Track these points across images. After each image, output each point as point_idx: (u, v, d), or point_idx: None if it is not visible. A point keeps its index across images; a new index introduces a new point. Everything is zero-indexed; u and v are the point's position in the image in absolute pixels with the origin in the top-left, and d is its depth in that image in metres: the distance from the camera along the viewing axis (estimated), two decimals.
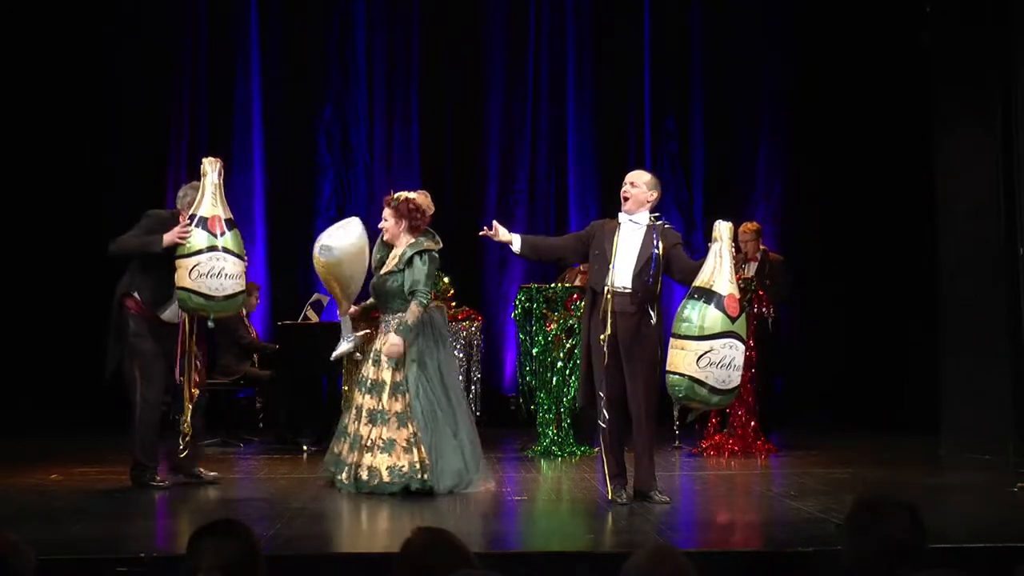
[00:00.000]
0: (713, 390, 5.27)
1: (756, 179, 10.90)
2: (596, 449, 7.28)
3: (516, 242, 5.90)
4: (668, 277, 5.75)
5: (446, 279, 8.74)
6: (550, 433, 8.01)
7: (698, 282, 5.38)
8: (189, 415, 6.31)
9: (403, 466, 5.96)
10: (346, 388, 8.11)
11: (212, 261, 5.96)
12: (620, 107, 10.97)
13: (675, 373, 5.32)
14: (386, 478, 5.96)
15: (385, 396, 6.04)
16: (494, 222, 5.95)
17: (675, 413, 8.08)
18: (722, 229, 5.43)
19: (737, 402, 7.59)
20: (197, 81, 10.66)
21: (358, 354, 6.49)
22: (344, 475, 6.08)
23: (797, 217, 10.70)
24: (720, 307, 5.27)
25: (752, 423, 8.03)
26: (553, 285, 8.31)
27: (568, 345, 8.00)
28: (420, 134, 10.85)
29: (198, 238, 5.98)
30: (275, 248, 10.51)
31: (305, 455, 8.06)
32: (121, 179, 10.17)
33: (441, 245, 6.24)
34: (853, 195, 10.19)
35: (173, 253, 6.02)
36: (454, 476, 6.00)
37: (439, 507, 5.67)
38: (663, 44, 10.93)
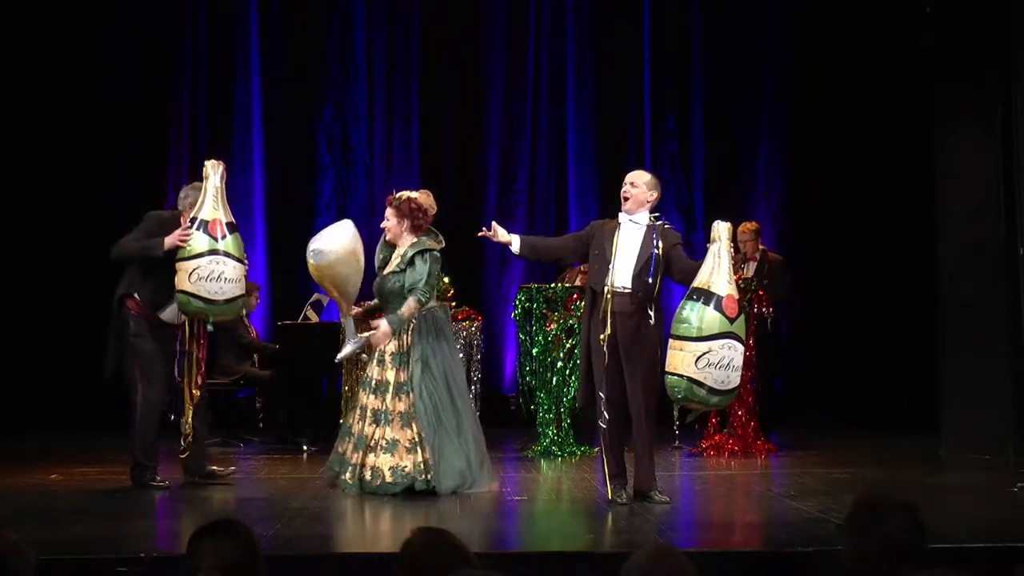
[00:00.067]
0: (712, 391, 5.27)
1: (756, 179, 10.90)
2: (596, 449, 7.29)
3: (515, 243, 5.90)
4: (668, 277, 5.75)
5: (446, 279, 8.74)
6: (550, 433, 8.01)
7: (697, 283, 5.38)
8: (190, 416, 6.30)
9: (406, 466, 5.96)
10: (346, 388, 8.12)
11: (212, 265, 5.96)
12: (620, 107, 10.97)
13: (674, 374, 5.32)
14: (389, 478, 5.96)
15: (389, 396, 6.05)
16: (493, 223, 5.95)
17: (675, 413, 8.13)
18: (721, 229, 5.43)
19: (737, 402, 7.59)
20: (197, 81, 10.65)
21: (363, 355, 6.50)
22: (348, 475, 6.09)
23: (797, 217, 10.70)
24: (718, 308, 5.27)
25: (752, 423, 8.03)
26: (553, 285, 8.31)
27: (568, 345, 8.00)
28: (420, 134, 10.85)
29: (199, 241, 5.98)
30: (275, 248, 10.50)
31: (305, 455, 8.06)
32: (121, 179, 10.17)
33: (444, 244, 6.24)
34: (853, 195, 10.19)
35: (174, 256, 6.02)
36: (457, 476, 6.00)
37: (439, 507, 5.67)
38: (663, 44, 10.93)
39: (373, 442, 6.03)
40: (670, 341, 5.39)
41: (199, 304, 5.98)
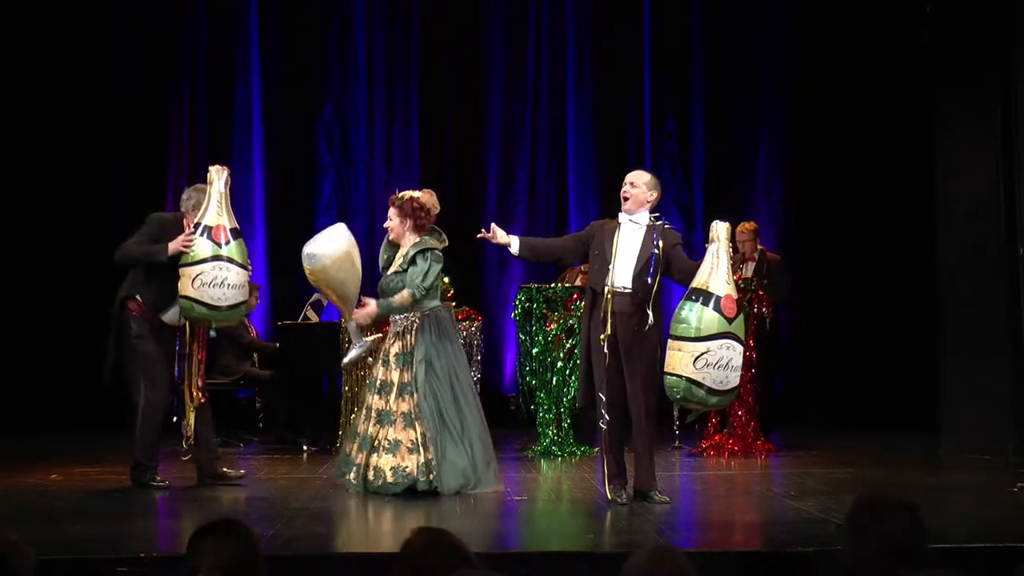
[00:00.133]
0: (711, 391, 5.27)
1: (756, 179, 10.90)
2: (596, 449, 7.29)
3: (514, 244, 5.90)
4: (668, 278, 5.75)
5: (446, 279, 8.74)
6: (550, 433, 8.02)
7: (695, 283, 5.37)
8: (191, 419, 6.31)
9: (407, 467, 5.96)
10: (346, 388, 8.12)
11: (215, 271, 5.95)
12: (620, 107, 10.97)
13: (672, 374, 5.32)
14: (390, 479, 5.96)
15: (392, 397, 6.06)
16: (492, 224, 5.95)
17: (675, 413, 8.12)
18: (719, 229, 5.43)
19: (737, 402, 7.60)
20: (197, 81, 10.65)
21: (369, 358, 6.51)
22: (352, 475, 6.10)
23: (797, 217, 10.70)
24: (717, 308, 5.27)
25: (752, 423, 8.03)
26: (553, 285, 8.31)
27: (568, 345, 8.00)
28: (420, 134, 10.85)
29: (202, 247, 5.98)
30: (275, 248, 10.50)
31: (305, 455, 8.06)
32: (121, 179, 10.17)
33: (446, 243, 6.24)
34: (853, 195, 10.19)
35: (177, 261, 6.03)
36: (460, 477, 5.99)
37: (439, 507, 5.67)
38: (663, 44, 10.93)
39: (376, 443, 6.04)
40: (669, 341, 5.39)
41: (202, 310, 5.98)
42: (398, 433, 6.01)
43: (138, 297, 6.19)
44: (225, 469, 6.49)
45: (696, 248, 8.38)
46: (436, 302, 6.22)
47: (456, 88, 10.84)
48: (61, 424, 9.17)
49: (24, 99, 9.76)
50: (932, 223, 8.16)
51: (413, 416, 6.01)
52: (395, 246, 6.25)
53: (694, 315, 5.28)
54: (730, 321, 5.27)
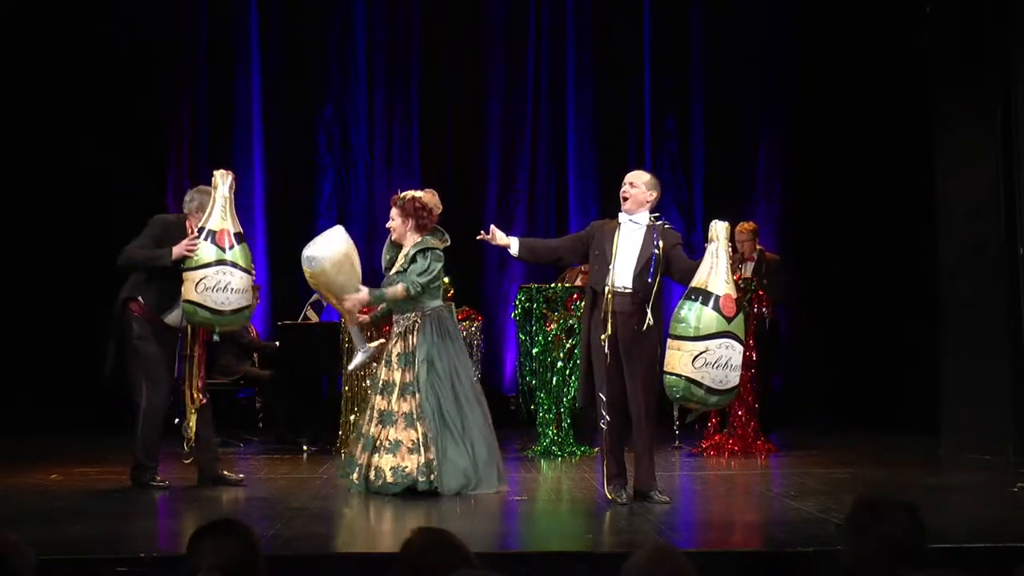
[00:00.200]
0: (710, 390, 5.28)
1: (756, 179, 10.90)
2: (596, 449, 7.28)
3: (514, 245, 5.90)
4: (668, 278, 5.75)
5: (446, 279, 8.74)
6: (550, 433, 8.02)
7: (695, 282, 5.38)
8: (193, 421, 6.30)
9: (406, 467, 5.96)
10: (346, 388, 8.13)
11: (219, 275, 5.96)
12: (620, 107, 10.97)
13: (672, 374, 5.33)
14: (390, 479, 5.97)
15: (394, 397, 6.07)
16: (492, 226, 5.96)
17: (675, 413, 8.13)
18: (718, 229, 5.44)
19: (737, 402, 7.60)
20: (197, 81, 10.65)
21: (372, 363, 6.54)
22: (355, 475, 6.11)
23: (797, 217, 10.70)
24: (716, 307, 5.27)
25: (752, 423, 8.03)
26: (553, 285, 8.31)
27: (568, 345, 8.00)
28: (420, 134, 10.85)
29: (206, 251, 5.98)
30: (275, 248, 10.50)
31: (305, 455, 8.06)
32: (121, 179, 10.16)
33: (448, 243, 6.24)
34: (853, 195, 10.19)
35: (180, 265, 6.03)
36: (460, 477, 5.97)
37: (440, 507, 5.67)
38: (663, 44, 10.93)
39: (378, 443, 6.05)
40: (668, 341, 5.39)
41: (206, 314, 5.99)
42: (399, 433, 6.02)
43: (140, 298, 6.20)
44: (225, 472, 6.48)
45: (696, 248, 8.38)
46: (438, 302, 6.22)
47: (456, 88, 10.84)
48: (61, 424, 9.17)
49: (24, 99, 9.75)
50: (932, 223, 8.15)
51: (415, 416, 6.00)
52: (397, 246, 6.25)
53: (693, 314, 5.28)
54: (729, 320, 5.27)
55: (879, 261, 9.99)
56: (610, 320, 5.63)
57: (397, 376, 6.08)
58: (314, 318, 8.94)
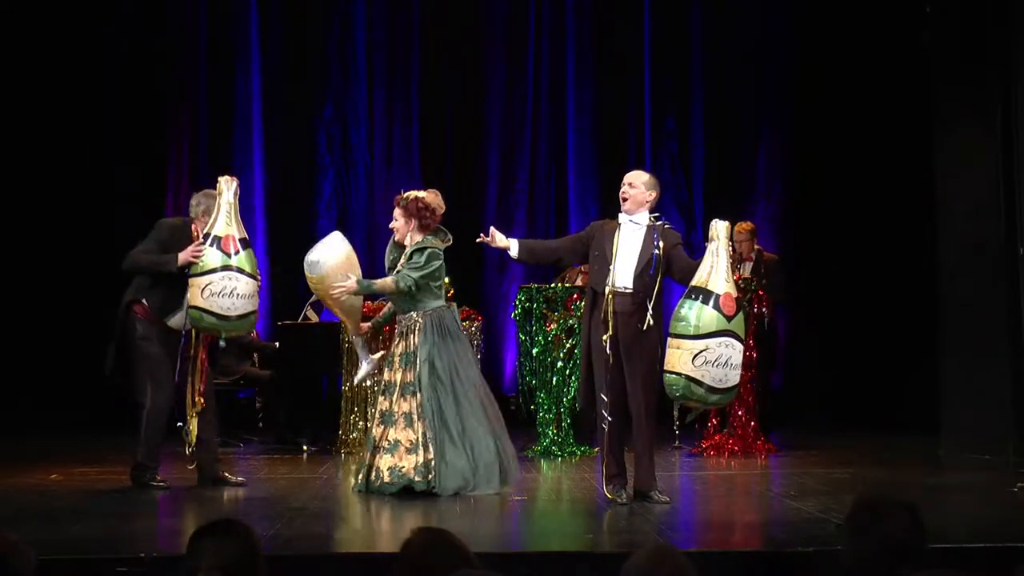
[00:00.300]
0: (711, 389, 5.27)
1: (756, 179, 10.90)
2: (596, 449, 7.28)
3: (513, 247, 5.91)
4: (668, 277, 5.74)
5: (446, 279, 8.74)
6: (550, 433, 8.02)
7: (695, 281, 5.38)
8: (194, 424, 6.30)
9: (403, 467, 5.96)
10: (346, 388, 8.13)
11: (225, 281, 5.98)
12: (620, 107, 10.97)
13: (672, 372, 5.33)
14: (387, 479, 5.97)
15: (395, 397, 6.07)
16: (492, 228, 5.96)
17: (675, 413, 8.13)
18: (719, 228, 5.44)
19: (737, 402, 7.60)
20: (197, 81, 10.65)
21: (375, 375, 6.57)
22: (360, 475, 6.13)
23: (797, 217, 10.70)
24: (716, 306, 5.27)
25: (752, 423, 8.03)
26: (553, 285, 8.31)
27: (568, 345, 8.00)
28: (420, 134, 10.85)
29: (211, 257, 6.00)
30: (275, 248, 10.49)
31: (305, 455, 8.06)
32: (121, 179, 10.17)
33: (450, 242, 6.25)
34: (853, 195, 10.19)
35: (186, 270, 6.04)
36: (458, 478, 5.96)
37: (440, 507, 5.67)
38: (663, 44, 10.93)
39: (378, 443, 6.05)
40: (668, 339, 5.39)
41: (212, 320, 6.00)
42: (398, 433, 6.02)
43: (144, 301, 6.21)
44: (226, 473, 6.48)
45: (696, 248, 8.39)
46: (440, 302, 6.22)
47: (456, 88, 10.84)
48: (61, 424, 9.17)
49: (24, 99, 9.75)
50: (932, 223, 8.15)
51: (414, 416, 6.00)
52: (400, 247, 6.25)
53: (693, 313, 5.28)
54: (729, 319, 5.27)
55: (879, 261, 9.99)
56: (611, 320, 5.63)
57: (398, 376, 6.09)
58: (314, 318, 8.93)
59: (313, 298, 9.02)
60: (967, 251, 7.78)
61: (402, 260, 6.18)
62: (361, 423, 7.98)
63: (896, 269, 9.79)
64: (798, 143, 10.73)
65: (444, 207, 6.26)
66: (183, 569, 2.67)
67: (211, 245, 6.01)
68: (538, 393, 8.08)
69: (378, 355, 6.55)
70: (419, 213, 6.16)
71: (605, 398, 5.67)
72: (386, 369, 6.21)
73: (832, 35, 10.33)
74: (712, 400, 5.39)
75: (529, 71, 10.92)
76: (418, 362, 6.05)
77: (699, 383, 5.25)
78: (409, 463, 5.96)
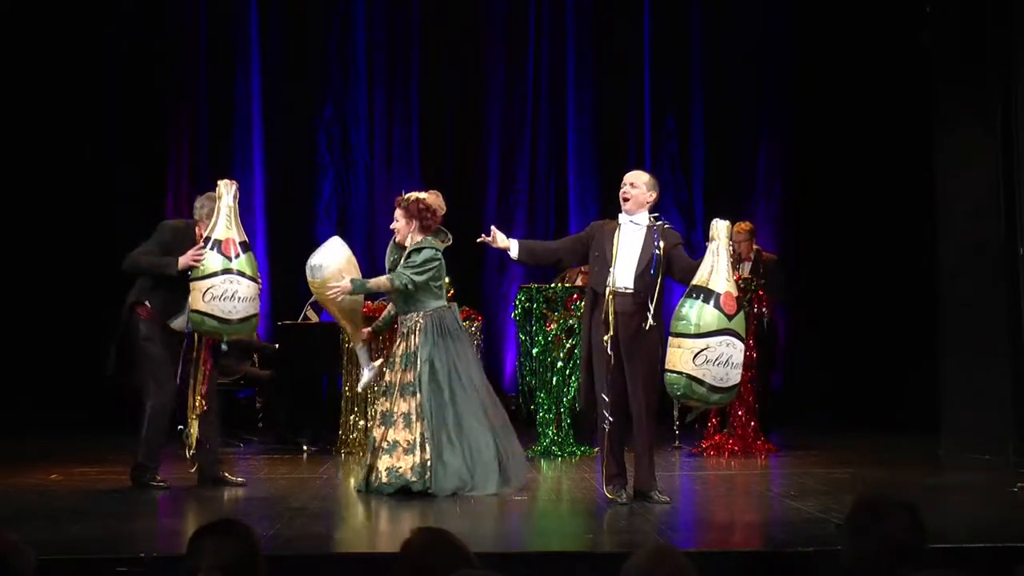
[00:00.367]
0: (712, 388, 5.27)
1: (756, 179, 10.90)
2: (596, 449, 7.28)
3: (514, 248, 5.91)
4: (669, 277, 5.74)
5: (446, 279, 8.74)
6: (550, 433, 8.02)
7: (695, 280, 5.38)
8: (195, 427, 6.30)
9: (400, 467, 5.96)
10: (346, 388, 8.13)
11: (226, 284, 5.99)
12: (620, 107, 10.97)
13: (673, 371, 5.33)
14: (384, 479, 5.97)
15: (395, 397, 6.07)
16: (492, 228, 5.96)
17: (675, 413, 8.13)
18: (719, 228, 5.44)
19: (737, 402, 7.60)
20: (197, 81, 10.65)
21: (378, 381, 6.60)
22: (362, 476, 6.14)
23: (797, 217, 10.70)
24: (717, 305, 5.27)
25: (752, 423, 8.03)
26: (553, 285, 8.31)
27: (568, 345, 8.00)
28: (420, 134, 10.85)
29: (212, 261, 6.00)
30: (275, 248, 10.50)
31: (305, 455, 8.06)
32: (121, 179, 10.17)
33: (450, 242, 6.25)
34: (853, 195, 10.19)
35: (187, 274, 6.04)
36: (454, 479, 5.96)
37: (439, 507, 5.67)
38: (663, 44, 10.93)
39: (378, 444, 6.06)
40: (669, 339, 5.39)
41: (213, 323, 6.01)
42: (397, 434, 6.03)
43: (147, 303, 6.21)
44: (226, 474, 6.48)
45: (696, 247, 8.39)
46: (441, 302, 6.22)
47: (456, 88, 10.84)
48: (61, 424, 9.17)
49: (24, 99, 9.75)
50: (932, 223, 8.15)
51: (413, 416, 6.01)
52: (401, 248, 6.25)
53: (694, 312, 5.28)
54: (730, 318, 5.27)
55: (879, 261, 9.99)
56: (611, 320, 5.63)
57: (398, 377, 6.09)
58: (314, 318, 8.94)
59: (313, 298, 9.03)
60: (967, 251, 7.77)
61: (403, 261, 6.18)
62: (361, 423, 7.98)
63: (896, 269, 9.79)
64: (798, 143, 10.73)
65: (445, 208, 6.27)
66: (183, 569, 2.67)
67: (212, 249, 6.02)
68: (538, 393, 8.07)
69: (378, 362, 6.57)
70: (420, 214, 6.16)
71: (606, 398, 5.67)
72: (387, 370, 6.21)
73: (832, 35, 10.33)
74: (713, 399, 5.38)
75: (529, 71, 10.92)
76: (419, 362, 6.05)
77: (700, 382, 5.25)
78: (406, 463, 5.96)
